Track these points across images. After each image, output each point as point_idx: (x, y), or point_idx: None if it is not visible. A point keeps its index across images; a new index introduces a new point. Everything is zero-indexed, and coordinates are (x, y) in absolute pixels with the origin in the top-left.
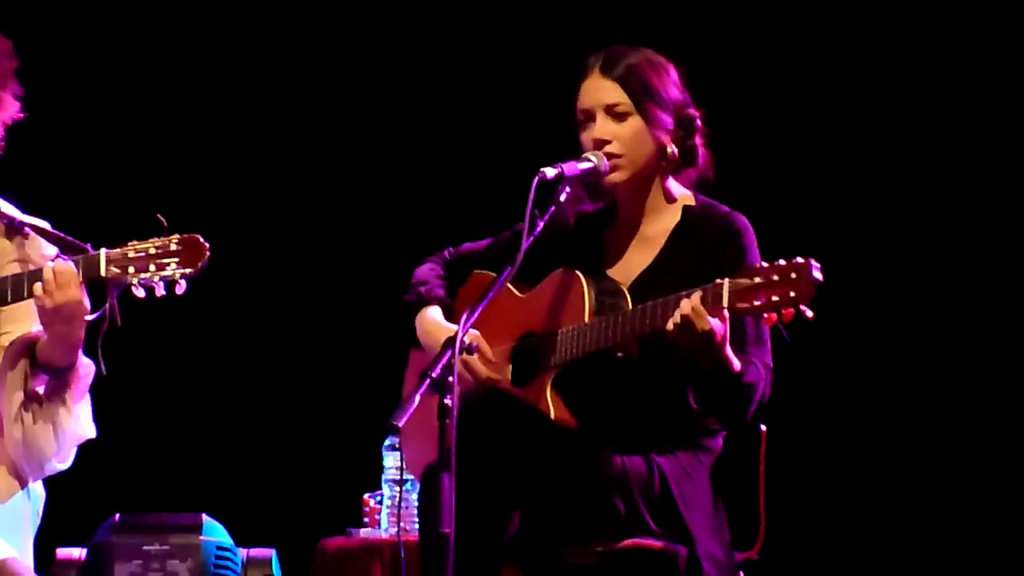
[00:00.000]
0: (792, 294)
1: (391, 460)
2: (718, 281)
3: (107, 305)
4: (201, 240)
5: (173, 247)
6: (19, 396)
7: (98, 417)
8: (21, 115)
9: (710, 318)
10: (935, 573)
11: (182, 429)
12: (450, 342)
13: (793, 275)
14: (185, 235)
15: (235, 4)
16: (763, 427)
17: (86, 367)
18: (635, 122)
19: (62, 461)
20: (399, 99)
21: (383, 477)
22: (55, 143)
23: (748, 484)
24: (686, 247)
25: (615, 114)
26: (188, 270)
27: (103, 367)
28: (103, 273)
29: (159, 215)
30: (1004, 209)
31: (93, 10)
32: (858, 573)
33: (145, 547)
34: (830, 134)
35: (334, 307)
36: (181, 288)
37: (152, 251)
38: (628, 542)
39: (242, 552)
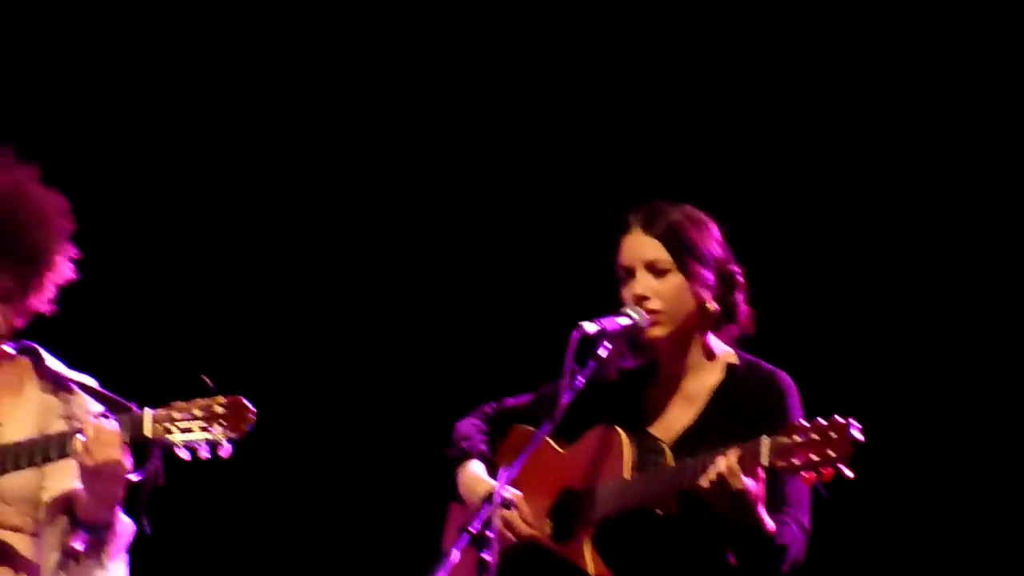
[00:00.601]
0: (832, 453)
1: None
2: (757, 439)
3: (151, 464)
4: (246, 402)
5: (218, 409)
6: (56, 554)
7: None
8: (74, 276)
9: (745, 477)
10: None
11: None
12: (490, 497)
13: (833, 434)
14: (230, 397)
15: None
16: None
17: (124, 526)
18: (676, 279)
19: None
20: (438, 252)
21: None
22: (104, 299)
23: None
24: (729, 406)
25: (656, 270)
26: (233, 433)
27: (147, 527)
28: (147, 433)
29: (204, 376)
30: None
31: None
32: None
33: None
34: (873, 285)
35: (375, 461)
36: (225, 451)
37: (197, 412)
38: None
39: None
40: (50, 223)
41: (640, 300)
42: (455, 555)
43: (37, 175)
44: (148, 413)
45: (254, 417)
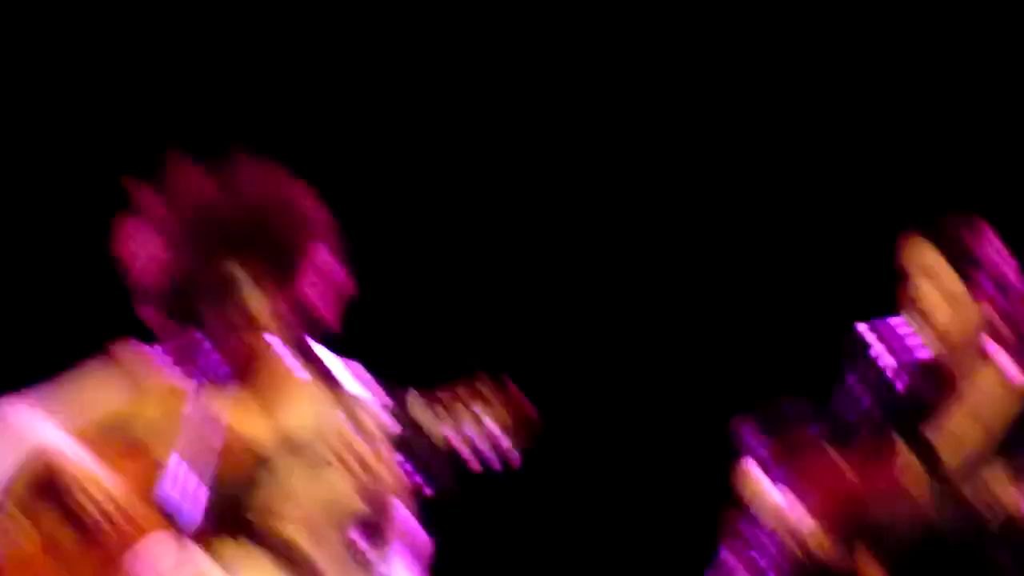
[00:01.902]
0: None
1: None
2: None
3: (432, 464)
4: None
5: (493, 397)
6: (337, 551)
7: None
8: (349, 283)
9: None
10: None
11: None
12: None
13: None
14: (504, 385)
15: None
16: None
17: (414, 532)
18: (959, 294)
19: None
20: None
21: None
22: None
23: None
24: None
25: (940, 284)
26: (514, 429)
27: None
28: (422, 422)
29: (474, 362)
30: None
31: None
32: None
33: None
34: None
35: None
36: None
37: (473, 400)
38: None
39: None
40: (304, 218)
41: (922, 311)
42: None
43: (294, 178)
44: (420, 400)
45: (534, 413)
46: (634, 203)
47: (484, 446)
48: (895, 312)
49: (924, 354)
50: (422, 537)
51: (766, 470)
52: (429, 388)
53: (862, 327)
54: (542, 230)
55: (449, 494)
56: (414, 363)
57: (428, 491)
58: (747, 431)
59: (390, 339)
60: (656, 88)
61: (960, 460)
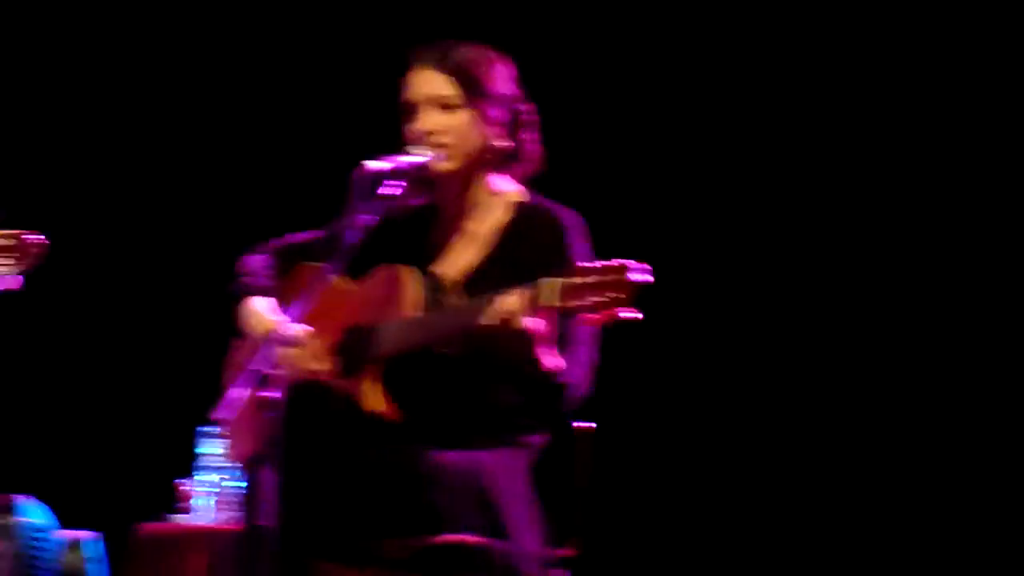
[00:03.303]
0: (617, 295)
1: (209, 447)
2: (542, 280)
3: None
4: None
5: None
6: None
7: None
8: None
9: (531, 317)
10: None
11: (4, 410)
12: (273, 333)
13: (618, 276)
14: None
15: None
16: (590, 424)
17: None
18: (464, 114)
19: None
20: (223, 89)
21: (199, 464)
22: None
23: (568, 481)
24: (515, 244)
25: (443, 106)
26: (21, 266)
27: None
28: None
29: None
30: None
31: None
32: (675, 570)
33: None
34: (666, 130)
35: (158, 292)
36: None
37: None
38: (444, 537)
39: (63, 534)
40: None
41: (426, 136)
42: (238, 393)
43: None
44: None
45: (43, 249)
46: None
47: None
48: (400, 148)
49: (428, 182)
50: None
51: (271, 298)
52: None
53: (367, 162)
54: None
55: None
56: None
57: None
58: (254, 263)
59: None
60: None
61: (459, 281)
